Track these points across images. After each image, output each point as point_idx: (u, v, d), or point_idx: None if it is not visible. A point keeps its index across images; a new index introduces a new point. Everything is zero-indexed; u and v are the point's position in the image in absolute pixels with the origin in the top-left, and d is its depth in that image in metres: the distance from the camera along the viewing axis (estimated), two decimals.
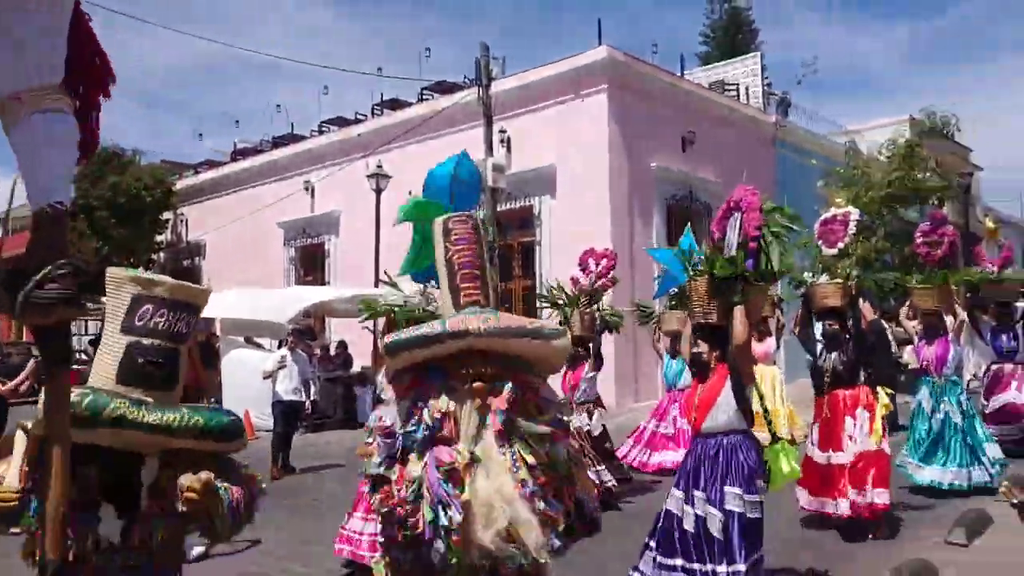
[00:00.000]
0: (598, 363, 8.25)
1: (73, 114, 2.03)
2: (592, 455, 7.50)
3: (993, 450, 7.67)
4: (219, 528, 2.59)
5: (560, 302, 8.21)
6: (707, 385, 4.44)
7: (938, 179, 18.46)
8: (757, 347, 10.59)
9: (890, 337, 9.91)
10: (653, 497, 7.86)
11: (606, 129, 15.20)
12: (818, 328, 6.56)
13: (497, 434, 2.88)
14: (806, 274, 6.62)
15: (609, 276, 8.26)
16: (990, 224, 10.59)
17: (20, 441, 2.49)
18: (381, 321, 5.26)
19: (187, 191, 24.29)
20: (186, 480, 2.45)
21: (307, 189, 20.30)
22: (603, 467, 7.57)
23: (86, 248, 21.03)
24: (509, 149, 16.31)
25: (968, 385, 8.45)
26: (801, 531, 6.41)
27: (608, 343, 13.73)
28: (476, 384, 2.89)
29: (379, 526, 3.16)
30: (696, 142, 16.69)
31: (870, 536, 6.17)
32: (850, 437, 6.24)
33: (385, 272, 5.17)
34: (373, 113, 21.66)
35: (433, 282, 3.57)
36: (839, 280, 6.44)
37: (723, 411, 4.33)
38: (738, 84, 21.42)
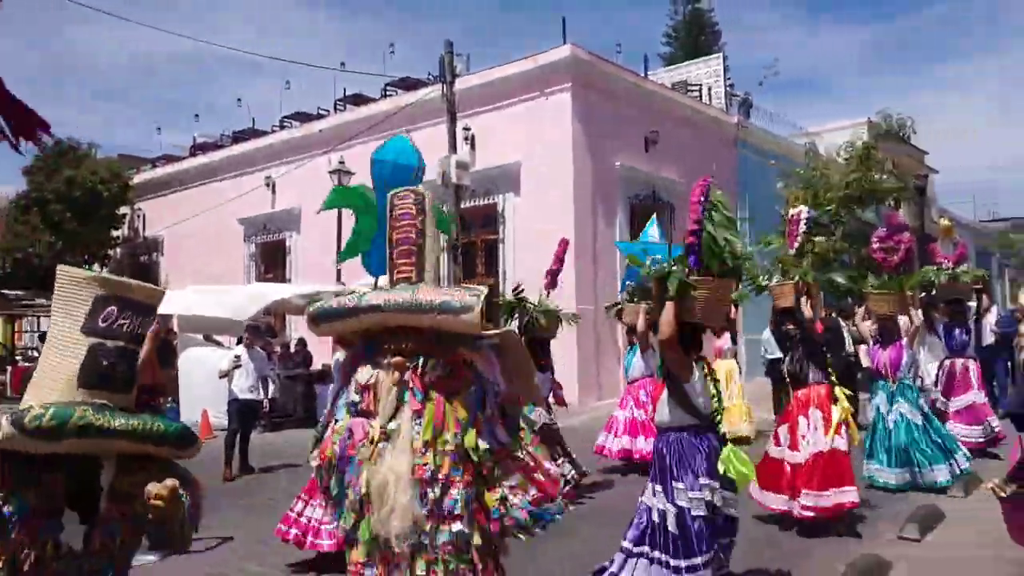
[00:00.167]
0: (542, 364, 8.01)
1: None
2: (558, 449, 7.51)
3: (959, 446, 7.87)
4: (176, 535, 2.59)
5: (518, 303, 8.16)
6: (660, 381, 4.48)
7: (894, 181, 18.80)
8: (715, 342, 10.71)
9: (846, 335, 10.04)
10: (612, 493, 7.90)
11: (570, 128, 15.23)
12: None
13: (414, 412, 2.87)
14: (761, 276, 6.67)
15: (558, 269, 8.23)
16: (946, 223, 10.85)
17: None
18: None
19: (145, 185, 23.86)
20: (153, 488, 2.45)
21: (268, 185, 20.06)
22: (563, 460, 7.52)
23: (39, 242, 20.58)
24: (473, 146, 16.27)
25: (923, 386, 8.59)
26: (765, 528, 6.47)
27: (571, 343, 13.84)
28: (394, 359, 2.90)
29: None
30: (659, 142, 16.81)
31: (834, 534, 6.21)
32: (802, 436, 6.30)
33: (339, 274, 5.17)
34: (336, 108, 21.49)
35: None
36: (788, 281, 6.52)
37: (664, 406, 4.35)
38: (701, 85, 21.63)
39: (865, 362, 10.42)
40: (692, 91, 20.86)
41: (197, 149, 25.25)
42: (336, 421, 3.05)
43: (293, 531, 5.69)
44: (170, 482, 2.47)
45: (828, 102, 73.69)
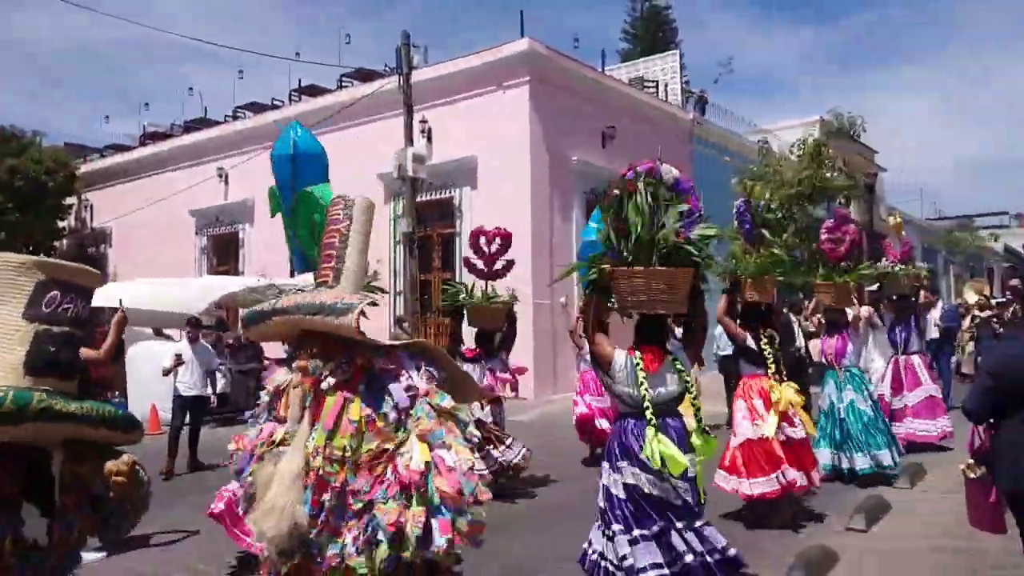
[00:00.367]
0: (481, 352, 7.93)
1: None
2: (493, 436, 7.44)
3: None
4: (134, 515, 2.61)
5: (462, 297, 8.07)
6: None
7: (845, 178, 19.18)
8: None
9: (796, 330, 10.21)
10: (558, 488, 7.93)
11: (527, 122, 15.23)
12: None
13: (312, 417, 2.86)
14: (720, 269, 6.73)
15: (505, 258, 8.04)
16: (895, 220, 11.12)
17: None
18: None
19: (92, 175, 23.30)
20: (113, 465, 2.47)
21: (220, 176, 19.72)
22: (501, 447, 7.45)
23: None
24: (430, 139, 16.19)
25: (871, 379, 8.76)
26: (716, 521, 6.52)
27: (527, 336, 13.86)
28: (297, 363, 2.91)
29: None
30: (616, 137, 16.90)
31: (782, 526, 6.29)
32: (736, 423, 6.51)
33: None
34: (290, 99, 21.21)
35: None
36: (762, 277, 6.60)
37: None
38: (657, 81, 21.78)
39: (815, 356, 10.62)
40: (649, 87, 21.00)
41: (147, 138, 24.74)
42: (258, 423, 3.06)
43: (219, 505, 5.31)
44: (127, 457, 2.49)
45: (782, 100, 74.98)
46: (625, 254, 4.16)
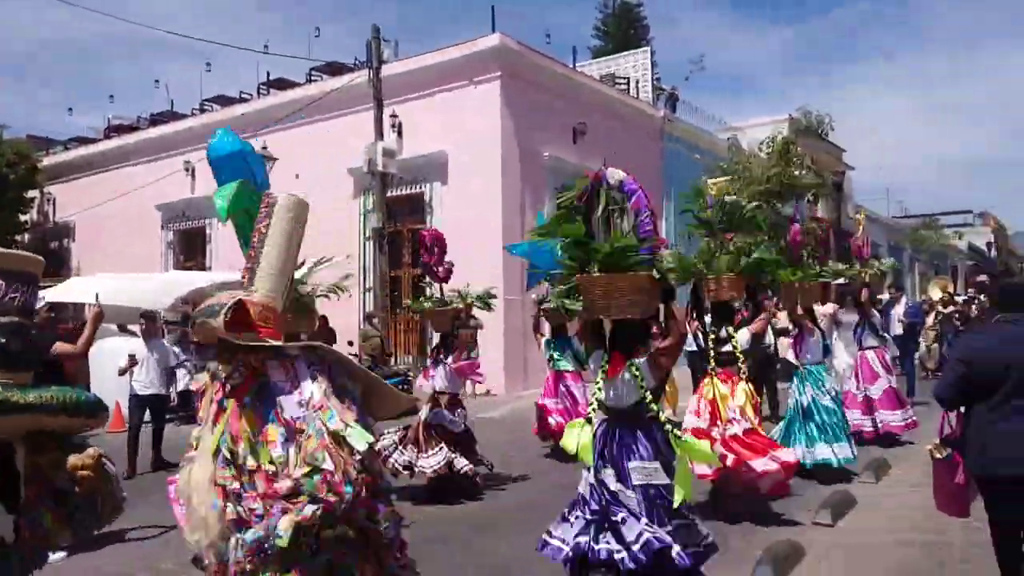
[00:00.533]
0: (444, 353, 7.89)
1: None
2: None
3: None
4: (107, 509, 2.59)
5: (421, 300, 8.16)
6: None
7: (813, 176, 19.38)
8: None
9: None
10: (527, 486, 7.92)
11: (498, 117, 15.18)
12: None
13: (214, 421, 2.83)
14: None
15: (444, 261, 8.04)
16: (859, 218, 11.29)
17: None
18: None
19: (55, 168, 22.85)
20: (76, 459, 2.44)
21: (187, 170, 19.41)
22: (456, 454, 7.45)
23: None
24: (400, 134, 16.08)
25: (834, 374, 8.87)
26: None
27: (497, 333, 13.84)
28: (209, 365, 2.90)
29: None
30: (587, 133, 16.91)
31: (750, 520, 6.34)
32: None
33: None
34: (259, 92, 20.94)
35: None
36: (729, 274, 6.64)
37: None
38: (628, 78, 21.84)
39: (783, 353, 10.72)
40: (620, 84, 21.05)
41: (112, 131, 24.31)
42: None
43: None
44: (92, 451, 2.48)
45: (753, 98, 75.62)
46: (587, 261, 4.24)
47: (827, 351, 8.22)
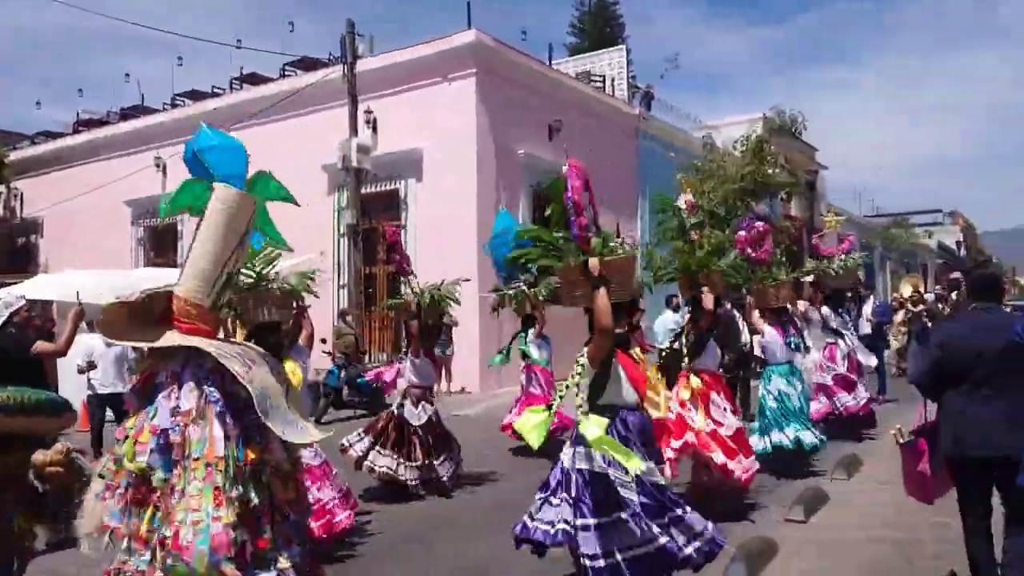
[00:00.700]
0: (417, 346, 7.83)
1: None
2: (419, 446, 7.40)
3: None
4: (78, 503, 2.50)
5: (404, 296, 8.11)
6: None
7: (787, 175, 19.53)
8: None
9: (741, 326, 10.36)
10: (503, 484, 7.89)
11: (473, 113, 15.12)
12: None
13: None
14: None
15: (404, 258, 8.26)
16: (832, 218, 11.40)
17: None
18: None
19: (22, 163, 22.47)
20: (42, 455, 2.38)
21: (158, 165, 19.13)
22: (433, 460, 7.42)
23: None
24: (375, 130, 15.97)
25: (805, 369, 8.97)
26: None
27: (472, 330, 13.81)
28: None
29: None
30: (563, 130, 16.90)
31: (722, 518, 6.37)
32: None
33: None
34: (231, 87, 20.69)
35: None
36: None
37: None
38: (604, 76, 21.87)
39: (758, 351, 10.79)
40: (596, 81, 21.07)
41: (81, 125, 23.93)
42: None
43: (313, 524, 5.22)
44: (60, 446, 2.41)
45: (727, 97, 76.27)
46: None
47: (799, 349, 8.27)
